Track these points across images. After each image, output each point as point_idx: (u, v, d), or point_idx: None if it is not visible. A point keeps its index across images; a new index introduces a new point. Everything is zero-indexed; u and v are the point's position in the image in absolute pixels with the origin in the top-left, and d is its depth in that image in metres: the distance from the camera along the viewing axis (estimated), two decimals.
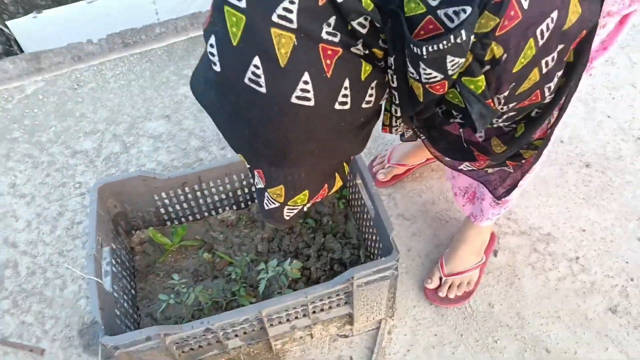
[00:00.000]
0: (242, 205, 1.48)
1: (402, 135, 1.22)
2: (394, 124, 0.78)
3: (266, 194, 0.77)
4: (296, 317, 1.21)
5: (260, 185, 0.77)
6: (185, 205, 1.41)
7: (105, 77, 2.07)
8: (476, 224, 1.32)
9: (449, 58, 0.56)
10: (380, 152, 1.68)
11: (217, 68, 0.62)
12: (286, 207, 0.80)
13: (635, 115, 1.73)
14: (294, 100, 0.60)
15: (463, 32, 0.53)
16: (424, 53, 0.56)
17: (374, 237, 1.28)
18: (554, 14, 0.58)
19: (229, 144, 0.74)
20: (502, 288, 1.39)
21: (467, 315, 1.35)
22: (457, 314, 1.36)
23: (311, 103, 0.60)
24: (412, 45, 0.57)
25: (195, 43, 2.18)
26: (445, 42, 0.54)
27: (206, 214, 1.46)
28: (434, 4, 0.54)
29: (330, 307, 1.22)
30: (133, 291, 1.33)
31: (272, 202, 0.79)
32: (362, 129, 0.72)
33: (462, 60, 0.57)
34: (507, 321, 1.33)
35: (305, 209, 0.83)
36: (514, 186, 1.04)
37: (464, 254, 1.36)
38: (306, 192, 0.77)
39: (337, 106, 0.63)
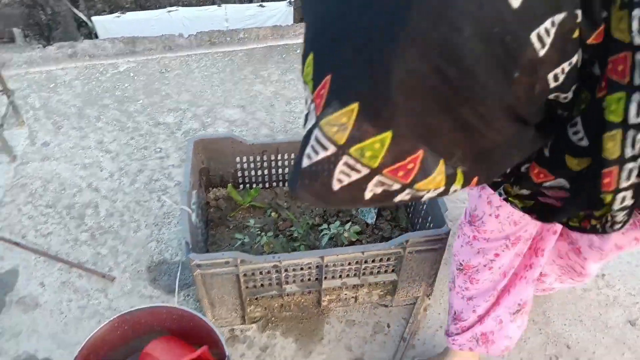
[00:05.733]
0: None
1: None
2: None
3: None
4: (348, 275, 1.37)
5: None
6: (259, 172, 1.60)
7: (190, 67, 2.32)
8: None
9: None
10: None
11: None
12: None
13: None
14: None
15: None
16: None
17: (425, 221, 1.45)
18: None
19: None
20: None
21: None
22: None
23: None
24: None
25: (272, 50, 2.43)
26: None
27: (274, 184, 1.65)
28: None
29: (379, 272, 1.38)
30: (205, 236, 1.51)
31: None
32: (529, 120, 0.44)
33: None
34: (532, 317, 1.46)
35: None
36: None
37: None
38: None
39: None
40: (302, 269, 1.30)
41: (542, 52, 0.39)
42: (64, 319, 1.46)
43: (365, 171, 0.41)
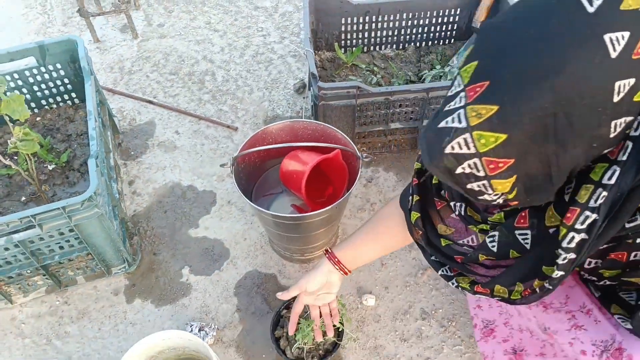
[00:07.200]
0: (400, 46, 1.85)
1: None
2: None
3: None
4: None
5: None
6: (360, 34, 1.80)
7: None
8: None
9: None
10: None
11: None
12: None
13: None
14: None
15: None
16: None
17: None
18: None
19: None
20: None
21: None
22: None
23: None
24: None
25: None
26: None
27: (372, 47, 1.85)
28: None
29: None
30: None
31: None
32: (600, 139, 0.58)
33: None
34: None
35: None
36: None
37: None
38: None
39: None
40: (407, 105, 1.52)
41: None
42: (199, 157, 1.74)
43: (472, 150, 0.56)
